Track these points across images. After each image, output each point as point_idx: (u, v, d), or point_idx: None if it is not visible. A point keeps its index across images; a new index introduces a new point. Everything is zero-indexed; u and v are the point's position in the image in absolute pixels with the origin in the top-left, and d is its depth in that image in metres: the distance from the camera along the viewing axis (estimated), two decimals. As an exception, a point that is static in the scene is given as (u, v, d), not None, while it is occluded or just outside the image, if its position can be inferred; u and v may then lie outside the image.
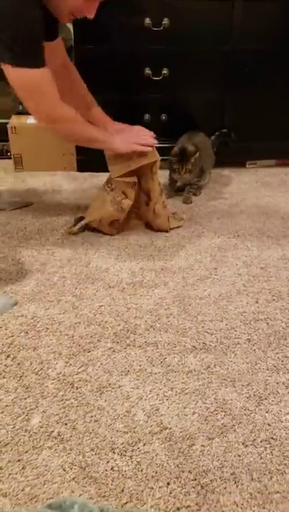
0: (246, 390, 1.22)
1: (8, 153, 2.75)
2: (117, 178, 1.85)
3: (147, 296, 1.58)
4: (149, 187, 1.89)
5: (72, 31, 2.44)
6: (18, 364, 1.28)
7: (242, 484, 0.99)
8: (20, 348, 1.34)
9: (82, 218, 1.99)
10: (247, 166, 2.71)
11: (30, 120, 2.55)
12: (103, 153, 1.94)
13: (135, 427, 1.10)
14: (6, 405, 1.15)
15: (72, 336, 1.39)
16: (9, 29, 1.39)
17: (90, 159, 2.56)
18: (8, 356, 1.31)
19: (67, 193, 2.37)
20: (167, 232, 1.98)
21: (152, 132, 1.90)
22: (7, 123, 2.54)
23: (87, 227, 1.97)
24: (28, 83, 1.51)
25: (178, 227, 2.02)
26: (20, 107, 2.78)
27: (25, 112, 2.69)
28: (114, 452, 1.04)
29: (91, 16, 1.57)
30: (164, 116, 2.51)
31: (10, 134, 2.53)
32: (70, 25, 2.71)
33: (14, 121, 2.56)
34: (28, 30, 1.42)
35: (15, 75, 1.48)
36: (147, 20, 2.28)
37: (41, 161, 2.59)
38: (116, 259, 1.80)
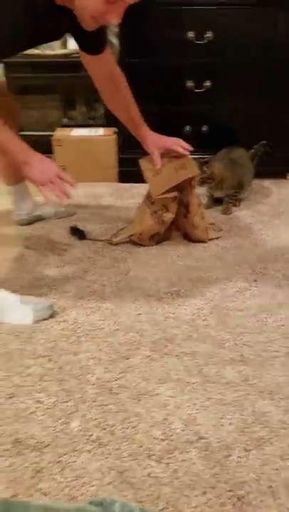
0: (284, 403, 1.21)
1: (52, 165, 2.83)
2: (159, 196, 1.87)
3: (185, 306, 1.59)
4: (188, 200, 1.91)
5: (117, 45, 2.51)
6: (60, 368, 1.32)
7: (279, 498, 0.98)
8: (62, 352, 1.38)
9: (122, 230, 2.03)
10: (287, 177, 2.69)
11: (75, 133, 2.63)
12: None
13: (172, 435, 1.12)
14: (48, 408, 1.19)
15: (112, 343, 1.42)
16: None
17: (131, 171, 2.60)
18: (50, 360, 1.35)
19: (108, 203, 2.42)
20: (206, 242, 1.99)
21: (189, 145, 1.89)
22: (52, 135, 2.63)
23: (129, 240, 2.00)
24: None
25: (216, 238, 2.03)
26: (66, 120, 2.87)
27: (70, 125, 2.79)
28: (151, 459, 1.06)
29: (117, 20, 1.39)
30: (204, 128, 2.53)
31: (55, 147, 2.61)
32: (114, 39, 2.78)
33: (59, 133, 2.64)
34: None
35: None
36: (190, 34, 2.32)
37: (84, 173, 2.65)
38: (154, 268, 1.82)
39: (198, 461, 1.06)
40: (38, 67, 2.64)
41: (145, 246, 1.97)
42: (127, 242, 1.99)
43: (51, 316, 1.53)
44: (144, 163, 1.93)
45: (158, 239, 1.97)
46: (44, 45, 2.79)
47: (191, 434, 1.12)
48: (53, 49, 2.77)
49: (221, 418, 1.16)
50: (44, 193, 1.50)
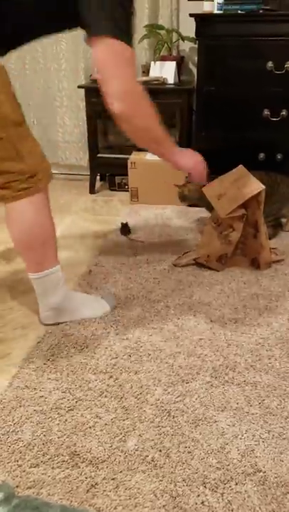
0: None
1: (126, 186, 2.92)
2: (227, 215, 1.87)
3: (249, 334, 1.57)
4: (256, 218, 1.89)
5: (195, 73, 2.56)
6: (120, 386, 1.34)
7: None
8: (123, 370, 1.40)
9: (187, 253, 2.05)
10: None
11: (149, 157, 2.70)
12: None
13: (228, 465, 1.09)
14: (106, 424, 1.21)
15: (172, 365, 1.42)
16: (121, 11, 1.28)
17: (201, 195, 2.63)
18: (110, 377, 1.37)
19: (176, 226, 2.45)
20: (270, 266, 1.96)
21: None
22: (128, 158, 2.71)
23: (196, 262, 2.01)
24: (125, 59, 1.33)
25: (278, 260, 2.00)
26: (140, 143, 2.95)
27: (144, 150, 2.86)
28: (205, 487, 1.04)
29: None
30: (279, 156, 2.51)
31: (129, 169, 2.69)
32: (193, 68, 2.85)
33: (134, 157, 2.72)
34: (130, 12, 1.31)
35: (113, 48, 1.30)
36: (270, 64, 2.33)
37: (155, 195, 2.71)
38: (219, 293, 1.81)
39: (254, 495, 1.03)
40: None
41: (213, 270, 1.97)
42: (193, 265, 2.00)
43: (116, 334, 1.56)
44: (208, 191, 1.93)
45: (226, 261, 1.95)
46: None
47: (248, 465, 1.09)
48: (133, 76, 2.88)
49: (281, 453, 1.12)
50: (191, 176, 1.73)
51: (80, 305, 1.65)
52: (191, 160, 1.67)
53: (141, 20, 2.83)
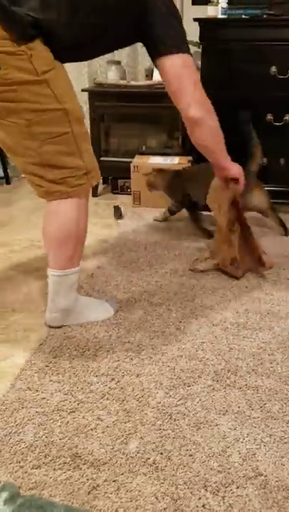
0: None
1: (129, 190, 2.93)
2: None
3: (251, 338, 1.57)
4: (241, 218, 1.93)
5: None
6: (122, 388, 1.34)
7: None
8: (125, 373, 1.40)
9: (199, 259, 2.05)
10: None
11: (151, 160, 2.71)
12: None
13: (230, 468, 1.10)
14: (107, 426, 1.21)
15: (174, 368, 1.42)
16: (179, 25, 1.44)
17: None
18: (112, 379, 1.37)
19: (177, 229, 2.45)
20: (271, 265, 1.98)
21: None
22: (130, 162, 2.72)
23: (217, 268, 2.02)
24: (194, 69, 1.51)
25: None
26: (144, 148, 2.97)
27: (146, 153, 2.87)
28: (206, 490, 1.04)
29: None
30: (282, 161, 2.52)
31: (132, 173, 2.70)
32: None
33: (137, 160, 2.73)
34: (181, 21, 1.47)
35: (185, 61, 1.46)
36: (273, 69, 2.34)
37: (157, 198, 2.71)
38: (221, 297, 1.82)
39: (255, 498, 1.03)
40: (123, 96, 2.75)
41: (212, 272, 1.98)
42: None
43: (118, 337, 1.57)
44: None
45: (238, 265, 1.92)
46: (130, 76, 2.94)
47: (249, 469, 1.09)
48: (137, 80, 2.90)
49: (282, 457, 1.12)
50: (234, 186, 1.82)
51: (85, 308, 1.66)
52: (240, 170, 1.80)
53: (145, 24, 2.85)
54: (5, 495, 0.56)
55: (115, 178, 3.07)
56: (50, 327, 1.61)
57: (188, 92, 1.51)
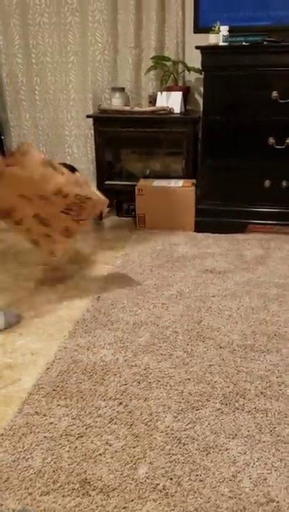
0: None
1: (133, 213, 2.95)
2: None
3: (258, 360, 1.56)
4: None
5: (200, 103, 2.62)
6: (129, 412, 1.33)
7: None
8: (132, 397, 1.39)
9: None
10: None
11: (156, 183, 2.74)
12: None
13: (241, 494, 1.08)
14: (116, 451, 1.20)
15: (182, 392, 1.42)
16: None
17: (207, 221, 2.66)
18: (120, 403, 1.37)
19: (182, 251, 2.47)
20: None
21: None
22: (135, 185, 2.75)
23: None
24: None
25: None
26: (148, 172, 3.01)
27: (151, 176, 2.91)
28: (217, 516, 1.03)
29: None
30: (284, 183, 2.54)
31: (137, 196, 2.73)
32: (199, 98, 2.91)
33: (142, 184, 2.76)
34: None
35: None
36: (274, 94, 2.38)
37: (162, 221, 2.74)
38: (227, 319, 1.81)
39: (267, 525, 1.01)
40: (127, 122, 2.80)
41: (218, 294, 1.97)
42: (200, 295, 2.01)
43: (125, 360, 1.56)
44: None
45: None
46: (133, 102, 3.00)
47: (260, 495, 1.08)
48: (141, 106, 2.95)
49: (294, 482, 1.11)
50: None
51: None
52: None
53: (148, 52, 2.92)
54: None
55: (120, 202, 3.10)
56: None
57: None
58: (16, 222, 1.93)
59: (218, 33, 2.47)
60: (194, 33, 2.81)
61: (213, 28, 2.52)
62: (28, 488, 1.09)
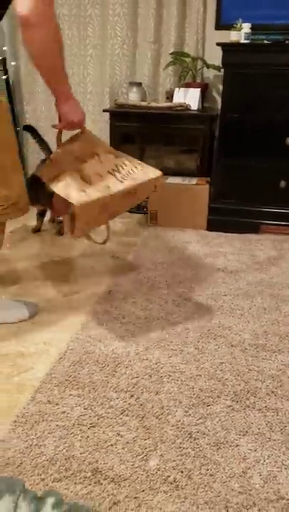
0: None
1: (145, 209, 2.95)
2: None
3: (270, 360, 1.57)
4: None
5: (218, 100, 2.62)
6: (141, 405, 1.34)
7: None
8: (144, 390, 1.40)
9: None
10: None
11: (170, 180, 2.74)
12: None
13: (251, 490, 1.09)
14: (128, 442, 1.21)
15: (193, 387, 1.42)
16: None
17: (220, 220, 2.66)
18: (132, 396, 1.38)
19: (194, 249, 2.47)
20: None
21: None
22: (148, 180, 2.75)
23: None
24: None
25: None
26: (161, 168, 3.00)
27: (165, 173, 2.91)
28: (227, 511, 1.04)
29: None
30: (300, 184, 2.54)
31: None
32: (216, 95, 2.91)
33: (155, 179, 2.76)
34: None
35: None
36: (294, 94, 2.38)
37: (174, 218, 2.74)
38: (239, 318, 1.82)
39: (277, 521, 1.02)
40: (143, 117, 2.80)
41: (230, 293, 1.98)
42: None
43: (136, 354, 1.57)
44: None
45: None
46: (150, 97, 2.99)
47: (270, 492, 1.08)
48: (158, 102, 2.95)
49: (304, 481, 1.12)
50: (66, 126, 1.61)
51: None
52: (80, 114, 1.59)
53: (167, 47, 2.91)
54: (51, 500, 0.56)
55: (132, 197, 3.10)
56: None
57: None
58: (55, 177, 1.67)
59: (239, 31, 2.46)
60: (215, 29, 2.81)
61: (234, 25, 2.52)
62: (40, 475, 1.10)
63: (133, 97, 2.92)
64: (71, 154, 1.63)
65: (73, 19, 2.99)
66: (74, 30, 3.01)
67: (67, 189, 1.52)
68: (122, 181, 1.59)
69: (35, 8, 1.31)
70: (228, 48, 2.42)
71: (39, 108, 3.22)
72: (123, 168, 1.66)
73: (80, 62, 3.08)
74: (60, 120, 1.61)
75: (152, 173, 1.65)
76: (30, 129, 2.49)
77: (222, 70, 2.50)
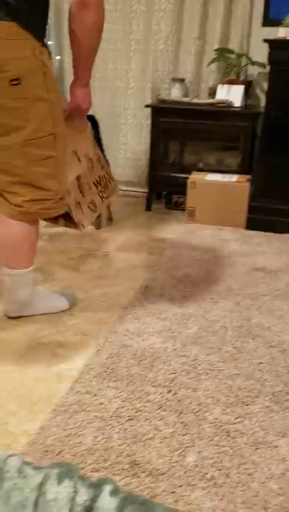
0: None
1: (182, 206, 2.95)
2: None
3: (309, 362, 1.54)
4: None
5: (261, 98, 2.58)
6: (178, 401, 1.34)
7: None
8: (181, 386, 1.40)
9: None
10: None
11: (209, 177, 2.72)
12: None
13: (290, 493, 1.07)
14: (165, 437, 1.21)
15: (231, 386, 1.41)
16: None
17: (260, 219, 2.62)
18: (169, 391, 1.38)
19: (233, 247, 2.45)
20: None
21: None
22: (187, 178, 2.74)
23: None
24: None
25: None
26: (201, 165, 2.99)
27: (205, 170, 2.89)
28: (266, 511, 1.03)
29: None
30: None
31: (189, 189, 2.72)
32: (260, 93, 2.87)
33: (195, 177, 2.75)
34: None
35: None
36: None
37: (212, 215, 2.72)
38: (278, 319, 1.79)
39: (317, 526, 1.00)
40: (185, 113, 2.79)
41: (270, 293, 1.95)
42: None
43: (174, 350, 1.57)
44: None
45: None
46: (193, 93, 2.98)
47: (311, 496, 1.07)
48: (200, 98, 2.94)
49: None
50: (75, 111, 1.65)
51: (40, 300, 1.74)
52: (89, 104, 1.64)
53: (211, 43, 2.89)
54: (109, 487, 0.57)
55: (170, 193, 3.10)
56: (10, 317, 1.72)
57: None
58: None
59: (288, 27, 2.42)
60: (263, 25, 2.77)
61: (283, 22, 2.47)
62: (79, 464, 1.12)
63: (175, 93, 2.91)
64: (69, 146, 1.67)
65: (118, 14, 3.00)
66: (119, 25, 3.02)
67: (78, 215, 1.73)
68: (98, 194, 1.84)
69: None
70: (276, 45, 2.38)
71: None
72: (102, 181, 1.87)
73: (124, 58, 3.09)
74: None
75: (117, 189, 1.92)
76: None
77: (267, 67, 2.46)
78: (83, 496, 0.55)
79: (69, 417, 1.26)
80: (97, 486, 0.58)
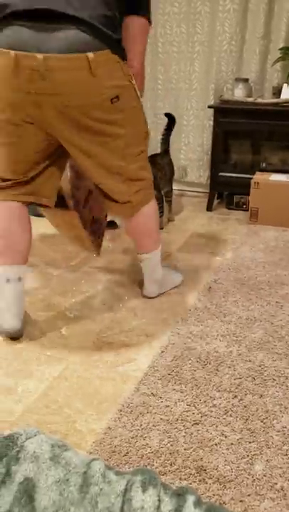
0: None
1: (244, 206, 2.90)
2: None
3: None
4: None
5: None
6: (245, 407, 1.31)
7: None
8: (247, 391, 1.37)
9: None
10: None
11: (273, 177, 2.66)
12: None
13: None
14: (232, 443, 1.19)
15: (299, 394, 1.37)
16: None
17: None
18: (235, 396, 1.35)
19: (299, 250, 2.37)
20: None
21: None
22: (251, 178, 2.69)
23: None
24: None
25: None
26: (264, 165, 2.92)
27: (268, 170, 2.83)
28: None
29: None
30: None
31: (252, 189, 2.66)
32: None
33: (258, 177, 2.69)
34: None
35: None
36: None
37: (276, 216, 2.66)
38: None
39: None
40: (248, 113, 2.74)
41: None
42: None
43: (239, 354, 1.54)
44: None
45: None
46: (256, 93, 2.92)
47: None
48: (263, 98, 2.87)
49: None
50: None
51: (167, 276, 1.96)
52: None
53: (276, 43, 2.82)
54: (192, 498, 0.56)
55: (231, 194, 3.05)
56: (149, 297, 1.91)
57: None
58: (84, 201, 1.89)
59: None
60: None
61: None
62: (146, 466, 1.12)
63: (239, 93, 2.86)
64: None
65: (182, 16, 2.99)
66: (182, 27, 3.01)
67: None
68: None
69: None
70: None
71: (144, 104, 3.27)
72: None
73: (187, 59, 3.07)
74: None
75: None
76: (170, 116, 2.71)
77: None
78: (168, 506, 0.54)
79: (135, 418, 1.27)
80: (180, 496, 0.57)
